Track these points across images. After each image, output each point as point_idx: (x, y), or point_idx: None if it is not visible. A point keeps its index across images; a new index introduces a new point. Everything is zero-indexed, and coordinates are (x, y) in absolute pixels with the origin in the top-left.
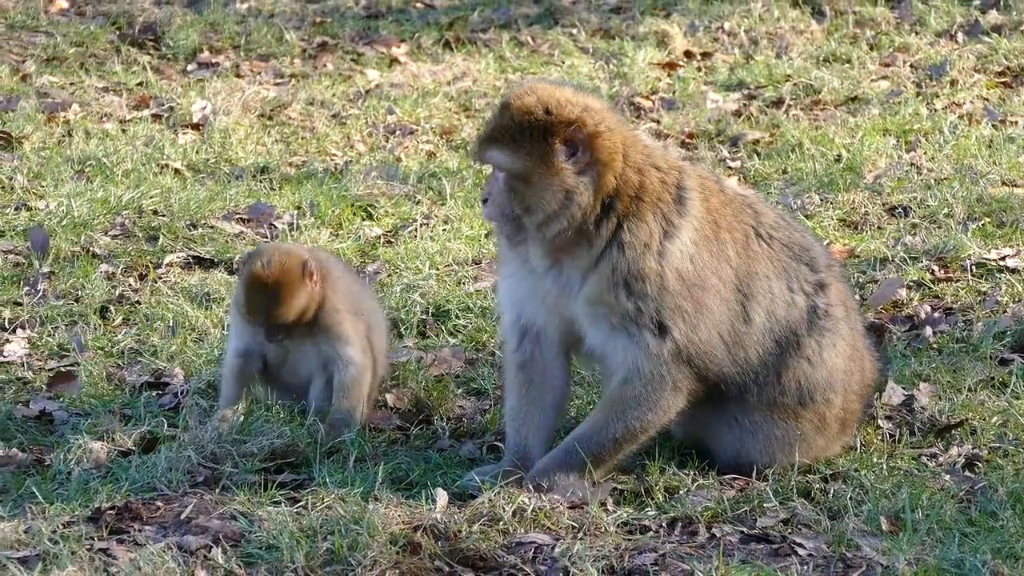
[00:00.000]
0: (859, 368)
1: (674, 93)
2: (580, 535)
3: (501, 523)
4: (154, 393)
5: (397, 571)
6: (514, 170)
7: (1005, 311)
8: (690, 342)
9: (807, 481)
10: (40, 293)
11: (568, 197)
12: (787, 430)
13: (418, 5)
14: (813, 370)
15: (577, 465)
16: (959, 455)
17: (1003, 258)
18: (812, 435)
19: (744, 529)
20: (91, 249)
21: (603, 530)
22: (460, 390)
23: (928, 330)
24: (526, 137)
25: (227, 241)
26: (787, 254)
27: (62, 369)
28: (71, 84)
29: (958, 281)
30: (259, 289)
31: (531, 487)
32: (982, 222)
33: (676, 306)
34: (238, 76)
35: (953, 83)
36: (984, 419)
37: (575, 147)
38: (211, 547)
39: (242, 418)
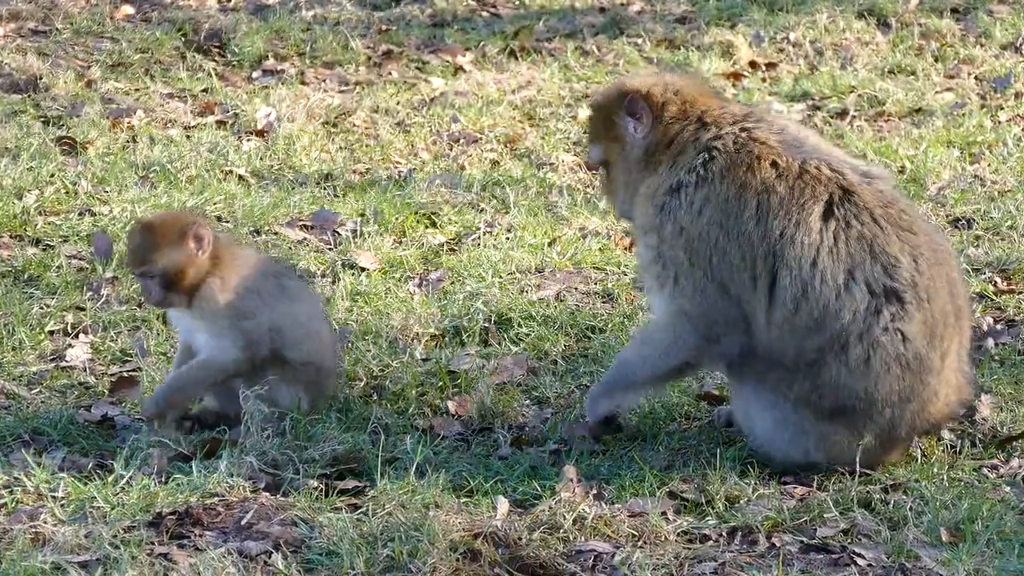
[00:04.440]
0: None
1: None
2: (640, 543)
3: (561, 531)
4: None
5: None
6: (600, 158)
7: None
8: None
9: (867, 491)
10: (103, 298)
11: (638, 160)
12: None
13: (483, 14)
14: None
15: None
16: (1020, 467)
17: None
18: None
19: (804, 539)
20: None
21: (663, 539)
22: (523, 399)
23: (990, 341)
24: (600, 124)
25: (290, 248)
26: (860, 246)
27: (124, 374)
28: (136, 90)
29: (1021, 293)
30: (135, 231)
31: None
32: None
33: (675, 258)
34: (303, 83)
35: (1018, 95)
36: None
37: (638, 115)
38: (271, 553)
39: None
